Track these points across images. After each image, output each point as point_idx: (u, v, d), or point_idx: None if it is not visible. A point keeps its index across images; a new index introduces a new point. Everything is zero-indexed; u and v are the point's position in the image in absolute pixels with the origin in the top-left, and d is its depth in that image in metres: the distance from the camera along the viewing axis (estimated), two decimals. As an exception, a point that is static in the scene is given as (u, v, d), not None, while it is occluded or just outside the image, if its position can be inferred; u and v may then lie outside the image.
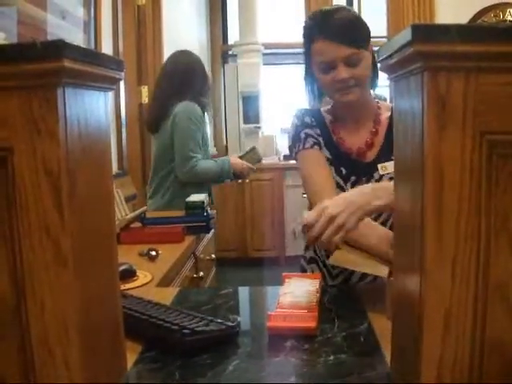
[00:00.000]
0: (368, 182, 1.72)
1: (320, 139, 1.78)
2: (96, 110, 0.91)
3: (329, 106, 1.87)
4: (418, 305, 0.77)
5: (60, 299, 0.79)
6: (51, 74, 0.75)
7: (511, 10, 5.49)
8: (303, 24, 1.72)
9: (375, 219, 1.69)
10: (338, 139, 1.78)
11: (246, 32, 6.22)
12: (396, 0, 5.76)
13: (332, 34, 1.61)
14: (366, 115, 1.79)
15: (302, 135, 1.77)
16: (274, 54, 6.72)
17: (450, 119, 0.71)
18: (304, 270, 1.88)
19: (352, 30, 1.62)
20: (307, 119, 1.80)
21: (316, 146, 1.75)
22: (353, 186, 1.72)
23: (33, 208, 0.77)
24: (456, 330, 0.75)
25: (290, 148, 1.82)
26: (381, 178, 1.72)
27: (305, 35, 1.71)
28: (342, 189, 1.73)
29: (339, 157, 1.76)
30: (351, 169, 1.75)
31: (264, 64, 6.28)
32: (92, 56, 0.85)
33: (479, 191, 0.72)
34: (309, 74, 1.77)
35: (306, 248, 1.91)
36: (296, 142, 1.79)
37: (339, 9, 1.69)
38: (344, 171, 1.75)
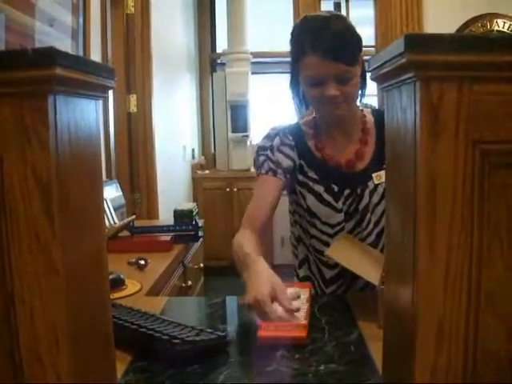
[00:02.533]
0: (363, 192, 1.69)
1: (294, 161, 1.74)
2: (87, 118, 0.91)
3: (309, 118, 1.82)
4: (411, 314, 0.77)
5: (50, 308, 0.78)
6: (42, 82, 0.74)
7: (498, 20, 5.53)
8: (293, 30, 1.65)
9: (372, 229, 1.69)
10: (323, 155, 1.74)
11: (235, 40, 6.24)
12: (384, 10, 5.79)
13: (324, 50, 1.54)
14: (353, 125, 1.74)
15: (261, 159, 1.75)
16: (263, 63, 6.73)
17: (443, 129, 0.71)
18: None
19: (345, 46, 1.55)
20: (277, 141, 1.75)
21: (270, 173, 1.72)
22: (346, 199, 1.70)
23: (23, 215, 0.77)
24: (449, 339, 0.75)
25: (255, 168, 1.81)
26: (376, 187, 1.69)
27: (294, 44, 1.65)
28: (333, 208, 1.70)
29: (328, 173, 1.72)
30: (343, 183, 1.70)
31: (252, 73, 6.28)
32: (83, 64, 0.85)
33: (471, 200, 0.72)
34: (295, 82, 1.73)
35: (300, 266, 1.88)
36: (255, 165, 1.78)
37: (332, 19, 1.59)
38: (336, 188, 1.70)
